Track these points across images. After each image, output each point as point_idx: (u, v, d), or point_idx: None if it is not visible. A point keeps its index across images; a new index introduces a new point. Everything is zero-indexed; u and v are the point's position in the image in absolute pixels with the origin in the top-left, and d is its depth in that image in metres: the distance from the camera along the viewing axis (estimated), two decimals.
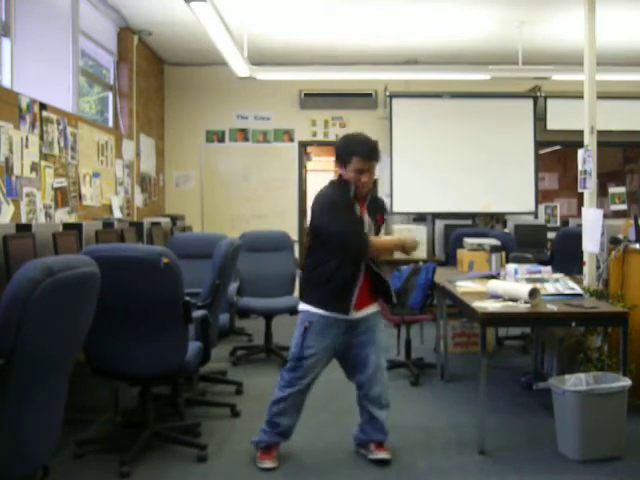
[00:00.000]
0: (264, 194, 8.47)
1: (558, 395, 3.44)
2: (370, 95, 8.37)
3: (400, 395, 4.50)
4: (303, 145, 8.66)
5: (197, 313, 3.42)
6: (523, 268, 4.32)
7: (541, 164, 8.64)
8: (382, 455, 3.37)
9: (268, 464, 3.30)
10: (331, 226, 3.20)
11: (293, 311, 5.54)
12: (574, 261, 4.76)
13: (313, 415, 3.86)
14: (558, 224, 8.30)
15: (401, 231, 7.90)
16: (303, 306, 3.34)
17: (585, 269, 4.55)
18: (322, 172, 10.72)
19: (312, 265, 3.34)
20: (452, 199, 8.11)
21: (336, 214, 3.20)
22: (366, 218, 3.32)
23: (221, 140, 8.51)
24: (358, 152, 3.22)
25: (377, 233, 3.40)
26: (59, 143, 5.09)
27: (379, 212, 3.41)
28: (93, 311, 2.21)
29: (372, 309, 3.40)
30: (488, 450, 3.46)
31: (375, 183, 8.31)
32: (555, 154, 9.20)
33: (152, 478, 3.18)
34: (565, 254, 5.50)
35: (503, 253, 5.12)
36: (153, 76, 8.03)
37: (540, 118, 8.24)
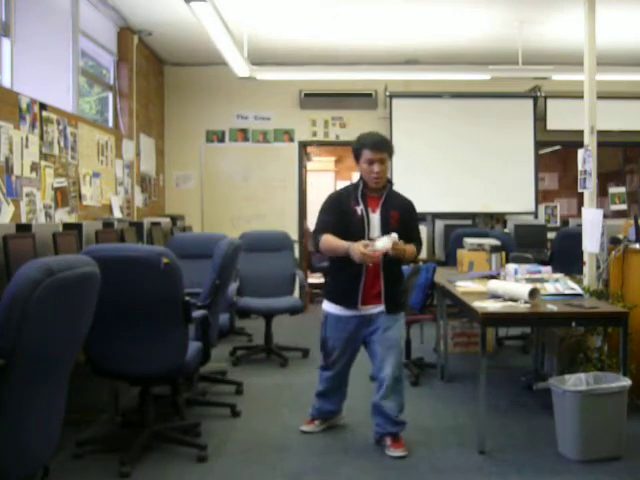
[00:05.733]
0: (264, 194, 8.47)
1: (558, 395, 3.44)
2: (370, 95, 8.36)
3: None
4: (303, 145, 8.66)
5: (197, 313, 3.42)
6: (523, 268, 4.32)
7: (541, 164, 8.64)
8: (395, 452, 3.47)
9: (305, 427, 3.81)
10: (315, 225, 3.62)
11: (293, 311, 5.56)
12: (574, 261, 4.76)
13: None
14: (558, 224, 8.30)
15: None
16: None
17: (585, 269, 4.54)
18: (322, 172, 10.74)
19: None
20: (452, 199, 8.11)
21: (320, 214, 3.58)
22: (374, 215, 3.49)
23: (221, 140, 8.51)
24: (367, 144, 3.50)
25: (387, 230, 3.41)
26: (59, 143, 5.09)
27: (394, 210, 3.52)
28: (93, 311, 2.21)
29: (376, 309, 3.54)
30: (488, 450, 3.46)
31: None
32: (555, 154, 9.19)
33: (152, 478, 3.18)
34: (565, 254, 5.50)
35: (503, 253, 5.12)
36: (153, 76, 8.03)
37: (540, 118, 8.25)
